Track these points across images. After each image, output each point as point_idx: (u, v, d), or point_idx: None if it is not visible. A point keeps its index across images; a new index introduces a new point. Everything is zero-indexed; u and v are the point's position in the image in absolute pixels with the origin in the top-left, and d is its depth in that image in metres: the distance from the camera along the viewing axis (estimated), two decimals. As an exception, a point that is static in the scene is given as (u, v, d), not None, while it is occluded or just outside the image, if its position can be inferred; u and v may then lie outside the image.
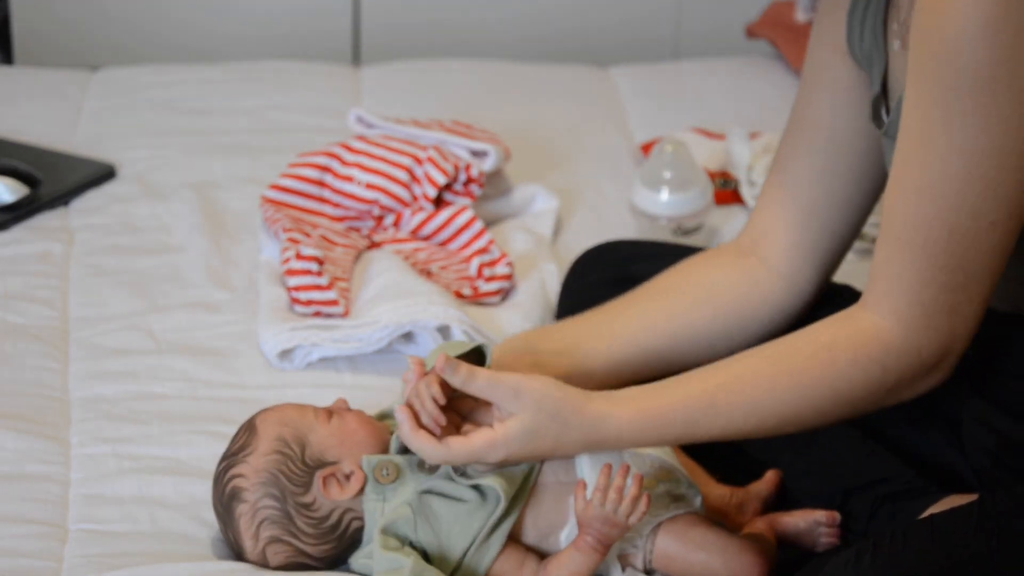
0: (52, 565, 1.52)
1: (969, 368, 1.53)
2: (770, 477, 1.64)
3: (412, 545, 1.47)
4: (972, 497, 1.54)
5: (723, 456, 1.66)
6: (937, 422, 1.61)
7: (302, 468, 1.50)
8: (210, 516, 1.57)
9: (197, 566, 1.50)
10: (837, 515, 1.57)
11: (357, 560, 1.52)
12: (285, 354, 1.86)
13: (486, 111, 2.50)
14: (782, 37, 2.74)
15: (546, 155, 2.41)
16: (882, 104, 1.53)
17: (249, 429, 1.53)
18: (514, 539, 1.50)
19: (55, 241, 2.11)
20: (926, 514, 1.54)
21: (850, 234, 1.66)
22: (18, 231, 2.13)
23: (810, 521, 1.57)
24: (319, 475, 1.50)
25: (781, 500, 1.63)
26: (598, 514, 1.46)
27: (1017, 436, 1.50)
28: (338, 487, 1.51)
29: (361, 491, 1.50)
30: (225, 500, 1.51)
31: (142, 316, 1.94)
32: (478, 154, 2.19)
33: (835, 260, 1.67)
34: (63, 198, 2.22)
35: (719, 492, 1.60)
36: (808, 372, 1.45)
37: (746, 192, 2.27)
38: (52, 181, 2.23)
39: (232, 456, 1.53)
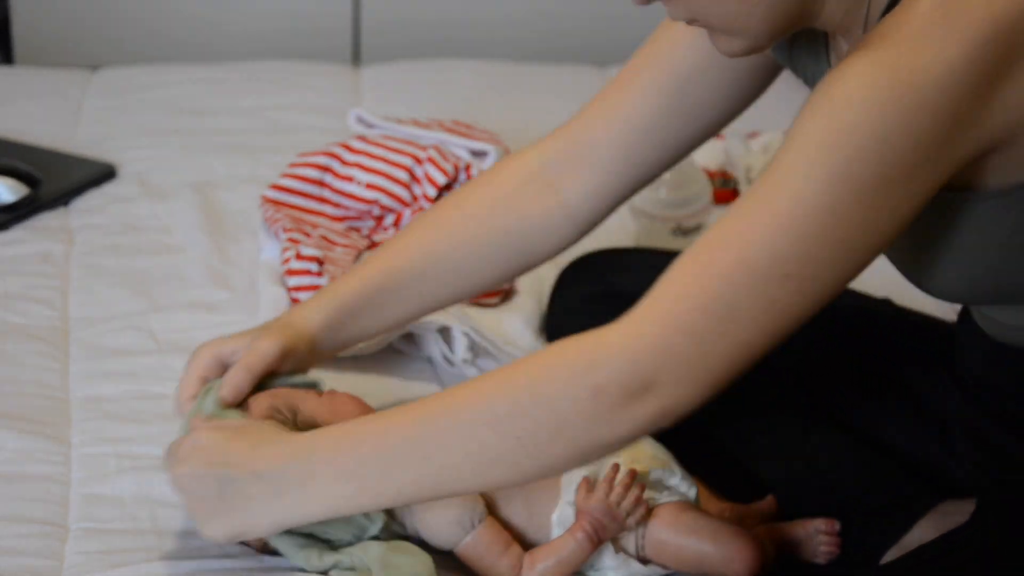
0: (53, 564, 1.52)
1: (956, 376, 1.54)
2: (771, 499, 1.65)
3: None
4: (963, 504, 1.55)
5: (718, 469, 1.66)
6: (929, 426, 1.61)
7: (294, 431, 1.51)
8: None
9: (197, 564, 1.50)
10: (836, 523, 1.57)
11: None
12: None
13: (486, 111, 2.50)
14: (782, 37, 2.73)
15: (546, 155, 2.41)
16: None
17: (241, 407, 1.55)
18: (503, 521, 1.51)
19: (55, 241, 2.11)
20: (916, 528, 1.55)
21: (647, 184, 1.62)
22: (18, 231, 2.13)
23: (809, 530, 1.58)
24: None
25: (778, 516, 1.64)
26: (601, 504, 1.48)
27: (1011, 450, 1.50)
28: None
29: None
30: None
31: (142, 316, 1.95)
32: (478, 154, 2.19)
33: (622, 204, 1.63)
34: (63, 198, 2.22)
35: (718, 507, 1.60)
36: (511, 373, 1.32)
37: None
38: (52, 181, 2.23)
39: None
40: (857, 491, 1.60)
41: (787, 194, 1.23)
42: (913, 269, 1.37)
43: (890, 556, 1.55)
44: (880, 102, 1.21)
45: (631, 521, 1.49)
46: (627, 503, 1.48)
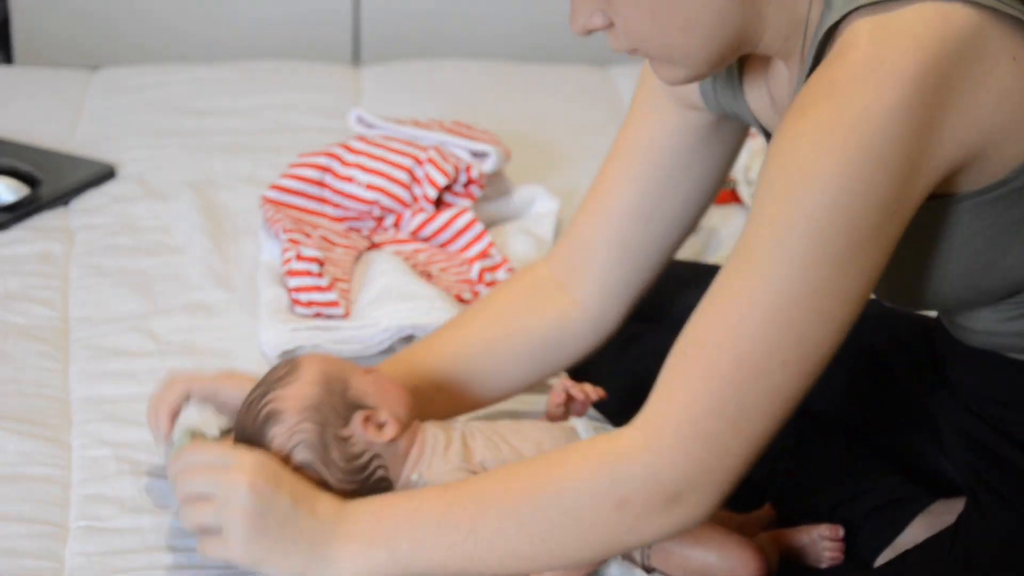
0: (53, 565, 1.52)
1: (946, 378, 1.54)
2: (768, 507, 1.65)
3: None
4: (954, 503, 1.55)
5: None
6: (922, 427, 1.61)
7: (343, 404, 1.50)
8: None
9: (197, 569, 1.50)
10: (840, 529, 1.57)
11: None
12: (286, 355, 1.86)
13: (486, 111, 2.50)
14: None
15: (546, 156, 2.42)
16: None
17: (291, 364, 1.53)
18: None
19: (55, 241, 2.11)
20: (909, 529, 1.56)
21: (659, 269, 1.64)
22: (18, 231, 2.13)
23: (813, 536, 1.57)
24: (360, 413, 1.50)
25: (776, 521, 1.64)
26: None
27: (993, 447, 1.50)
28: (375, 429, 1.50)
29: (393, 440, 1.50)
30: (259, 422, 1.50)
31: (142, 316, 1.94)
32: (478, 155, 2.19)
33: (641, 294, 1.65)
34: (63, 198, 2.22)
35: (719, 516, 1.60)
36: (536, 476, 1.35)
37: (744, 192, 2.27)
38: (52, 181, 2.23)
39: (271, 383, 1.52)
40: (850, 493, 1.60)
41: (767, 284, 1.26)
42: (887, 284, 1.38)
43: (884, 557, 1.55)
44: (837, 174, 1.24)
45: None
46: None
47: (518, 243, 2.12)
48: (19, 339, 1.89)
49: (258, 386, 1.53)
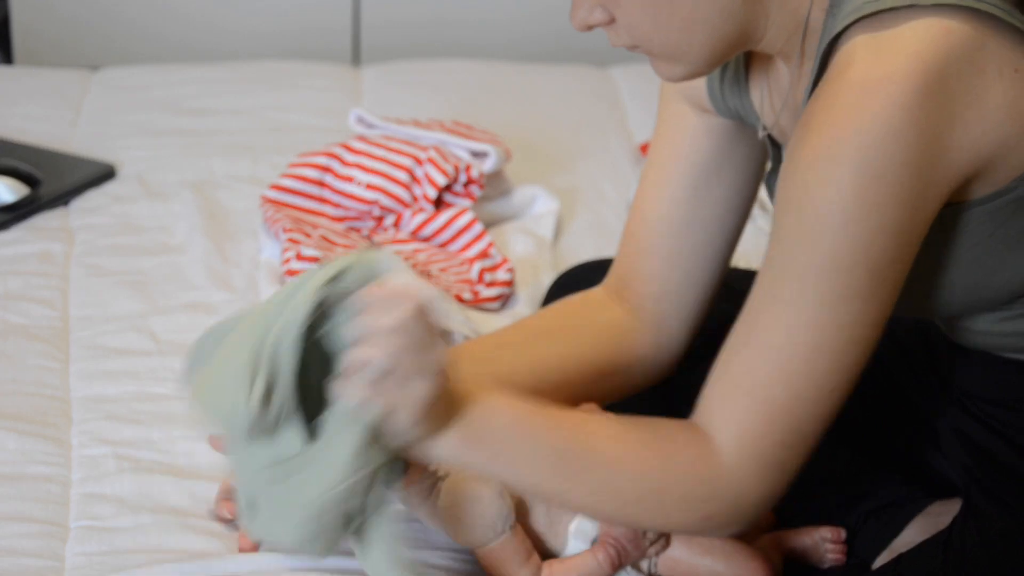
0: (54, 564, 1.52)
1: (944, 379, 1.54)
2: (769, 513, 1.65)
3: None
4: (953, 504, 1.55)
5: None
6: (920, 428, 1.61)
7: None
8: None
9: (197, 566, 1.50)
10: (843, 531, 1.57)
11: None
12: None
13: (486, 111, 2.50)
14: (782, 37, 2.74)
15: (546, 156, 2.42)
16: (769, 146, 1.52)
17: None
18: (524, 526, 1.51)
19: (55, 241, 2.11)
20: (906, 531, 1.56)
21: (714, 281, 1.61)
22: (18, 231, 2.13)
23: (815, 538, 1.58)
24: None
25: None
26: (628, 532, 1.48)
27: (990, 449, 1.50)
28: None
29: None
30: None
31: (143, 316, 1.94)
32: (478, 155, 2.19)
33: (701, 308, 1.62)
34: (63, 198, 2.22)
35: None
36: (645, 461, 1.38)
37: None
38: (52, 181, 2.23)
39: None
40: (848, 496, 1.60)
41: (801, 319, 1.31)
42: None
43: (881, 560, 1.55)
44: (852, 211, 1.26)
45: (653, 550, 1.50)
46: (652, 532, 1.49)
47: (518, 243, 2.12)
48: (19, 339, 1.89)
49: None
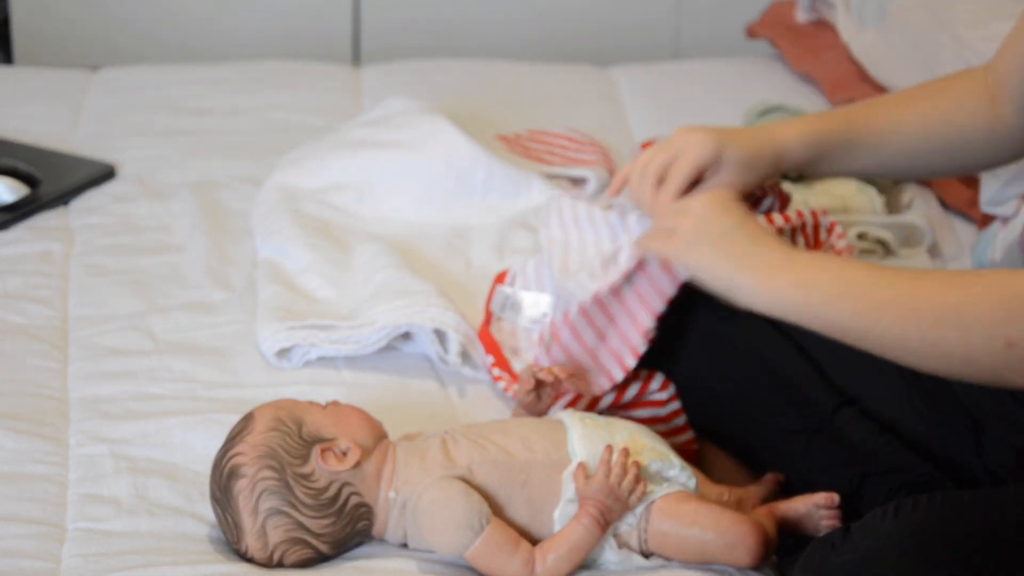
0: (50, 566, 1.52)
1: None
2: (769, 479, 1.65)
3: None
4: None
5: (734, 453, 1.69)
6: (956, 423, 1.61)
7: (299, 442, 1.52)
8: (209, 515, 1.58)
9: (195, 567, 1.50)
10: (836, 497, 1.57)
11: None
12: (283, 353, 1.86)
13: (486, 111, 2.50)
14: (782, 37, 2.74)
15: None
16: None
17: (246, 418, 1.56)
18: (506, 520, 1.51)
19: (55, 241, 2.11)
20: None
21: None
22: (18, 231, 2.13)
23: (809, 505, 1.58)
24: (317, 447, 1.52)
25: (796, 491, 1.63)
26: (602, 487, 1.49)
27: None
28: (336, 459, 1.52)
29: (358, 465, 1.52)
30: (223, 480, 1.52)
31: (141, 316, 1.94)
32: (577, 182, 2.21)
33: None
34: (63, 198, 2.22)
35: (716, 491, 1.61)
36: (944, 295, 1.47)
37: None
38: (52, 181, 2.23)
39: (230, 442, 1.54)
40: (879, 469, 1.60)
41: None
42: None
43: None
44: None
45: (633, 499, 1.51)
46: (627, 482, 1.50)
47: (519, 238, 2.11)
48: (18, 338, 1.89)
49: (220, 448, 1.55)
